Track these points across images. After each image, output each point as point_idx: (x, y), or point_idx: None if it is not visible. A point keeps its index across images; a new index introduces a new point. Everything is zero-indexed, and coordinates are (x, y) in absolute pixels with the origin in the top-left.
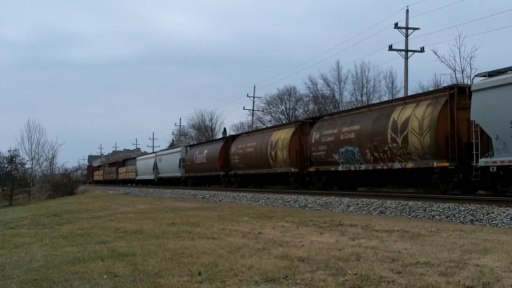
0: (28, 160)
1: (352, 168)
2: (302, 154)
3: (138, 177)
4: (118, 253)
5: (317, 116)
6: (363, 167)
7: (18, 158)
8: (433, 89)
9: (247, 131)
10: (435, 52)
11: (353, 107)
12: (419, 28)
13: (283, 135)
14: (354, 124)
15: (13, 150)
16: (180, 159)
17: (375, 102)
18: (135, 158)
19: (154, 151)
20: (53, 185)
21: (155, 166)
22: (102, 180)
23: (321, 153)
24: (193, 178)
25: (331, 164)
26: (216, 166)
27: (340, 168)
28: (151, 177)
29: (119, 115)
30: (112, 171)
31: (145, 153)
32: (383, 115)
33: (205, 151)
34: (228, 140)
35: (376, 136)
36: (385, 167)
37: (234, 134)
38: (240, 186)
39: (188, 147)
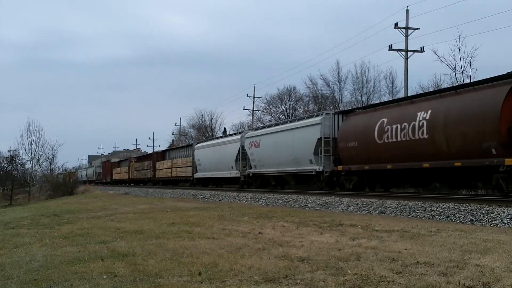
0: (28, 160)
1: None
2: None
3: (198, 175)
4: (118, 253)
5: None
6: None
7: (18, 158)
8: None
9: None
10: (435, 52)
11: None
12: (419, 28)
13: None
14: None
15: (13, 150)
16: (319, 139)
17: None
18: (190, 145)
19: (238, 131)
20: (53, 185)
21: (242, 156)
22: (127, 179)
23: None
24: (360, 175)
25: None
26: (488, 144)
27: None
28: (232, 173)
29: (119, 115)
30: (145, 167)
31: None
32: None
33: (421, 115)
34: None
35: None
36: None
37: None
38: None
39: (341, 115)
